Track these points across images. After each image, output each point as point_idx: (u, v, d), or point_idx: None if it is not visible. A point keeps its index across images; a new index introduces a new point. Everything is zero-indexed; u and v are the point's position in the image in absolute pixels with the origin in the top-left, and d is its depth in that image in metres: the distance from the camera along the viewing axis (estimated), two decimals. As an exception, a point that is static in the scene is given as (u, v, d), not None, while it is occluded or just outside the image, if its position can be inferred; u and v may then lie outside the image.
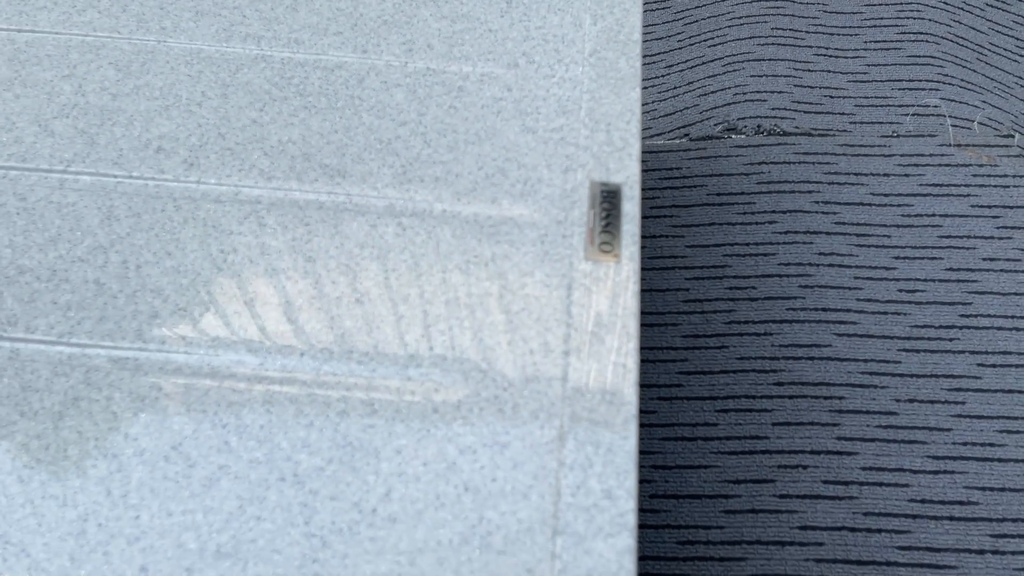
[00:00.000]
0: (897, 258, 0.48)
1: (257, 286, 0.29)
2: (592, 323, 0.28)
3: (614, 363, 0.28)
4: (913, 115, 0.54)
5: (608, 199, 0.31)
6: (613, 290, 0.29)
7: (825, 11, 0.60)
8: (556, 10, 0.37)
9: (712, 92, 0.56)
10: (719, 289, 0.47)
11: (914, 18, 0.60)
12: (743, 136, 0.53)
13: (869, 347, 0.45)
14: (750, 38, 0.58)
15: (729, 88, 0.56)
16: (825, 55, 0.58)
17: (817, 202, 0.50)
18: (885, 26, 0.59)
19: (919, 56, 0.58)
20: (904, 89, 0.56)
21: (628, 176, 0.32)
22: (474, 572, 0.24)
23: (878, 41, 0.59)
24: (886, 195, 0.51)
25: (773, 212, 0.50)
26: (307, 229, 0.30)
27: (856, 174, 0.52)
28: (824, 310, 0.46)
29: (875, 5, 0.61)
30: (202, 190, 0.31)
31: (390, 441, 0.26)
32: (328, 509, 0.25)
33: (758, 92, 0.55)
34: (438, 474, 0.26)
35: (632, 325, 0.28)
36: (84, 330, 0.28)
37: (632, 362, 0.28)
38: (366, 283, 0.29)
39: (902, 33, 0.59)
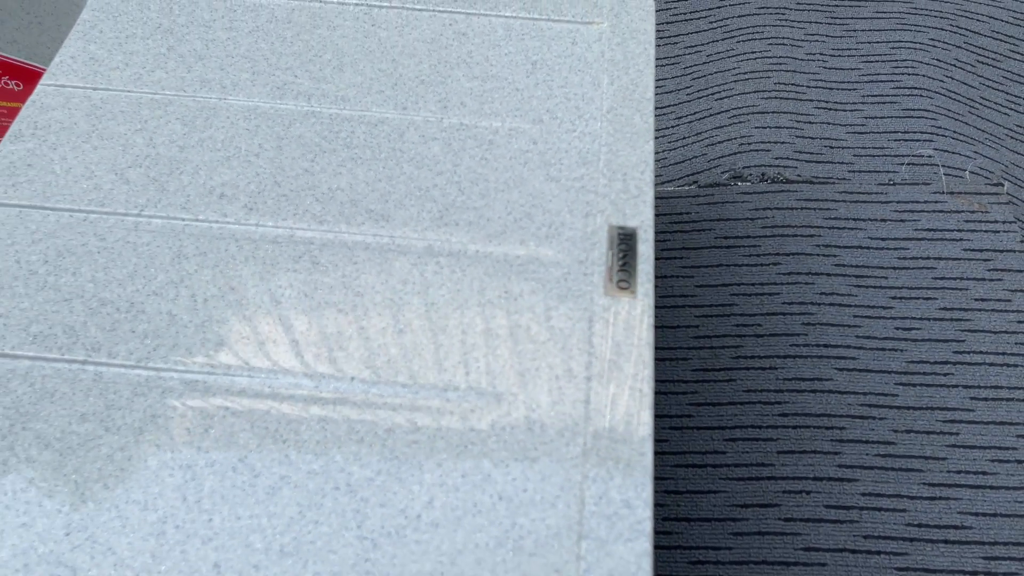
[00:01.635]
0: (894, 298, 0.51)
1: (311, 318, 0.33)
2: (611, 352, 0.32)
3: (631, 388, 0.31)
4: (908, 164, 0.58)
5: (625, 241, 0.35)
6: (629, 323, 0.32)
7: (825, 67, 0.64)
8: (576, 71, 0.41)
9: (719, 142, 0.60)
10: (727, 326, 0.50)
11: (909, 74, 0.64)
12: (748, 183, 0.57)
13: (868, 381, 0.48)
14: (755, 92, 0.62)
15: (735, 139, 0.60)
16: (825, 108, 0.62)
17: (818, 245, 0.54)
18: (881, 81, 0.63)
19: (913, 109, 0.61)
20: (899, 140, 0.60)
21: (643, 221, 0.35)
22: (508, 572, 0.27)
23: (875, 95, 0.63)
24: (883, 239, 0.54)
25: (777, 255, 0.53)
26: (355, 267, 0.34)
27: (855, 219, 0.55)
28: (825, 346, 0.49)
29: (872, 62, 0.65)
30: (260, 232, 0.35)
31: (432, 455, 0.29)
32: (378, 515, 0.28)
33: (762, 142, 0.59)
34: (475, 484, 0.29)
35: (647, 354, 0.31)
36: (159, 356, 0.31)
37: (647, 387, 0.31)
38: (408, 315, 0.33)
39: (897, 88, 0.63)
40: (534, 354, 0.32)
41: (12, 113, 0.50)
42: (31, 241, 0.34)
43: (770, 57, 0.65)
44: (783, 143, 0.59)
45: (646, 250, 0.34)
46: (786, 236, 0.54)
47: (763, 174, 0.57)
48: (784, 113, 0.61)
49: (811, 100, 0.62)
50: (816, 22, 0.68)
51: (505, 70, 0.41)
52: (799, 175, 0.57)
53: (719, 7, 0.69)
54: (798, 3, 0.69)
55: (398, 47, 0.42)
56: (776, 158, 0.58)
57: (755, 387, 0.48)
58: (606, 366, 0.31)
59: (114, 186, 0.36)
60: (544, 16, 0.43)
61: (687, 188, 0.57)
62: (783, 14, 0.68)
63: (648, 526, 0.28)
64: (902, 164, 0.58)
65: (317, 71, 0.40)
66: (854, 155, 0.59)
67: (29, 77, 0.48)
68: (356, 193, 0.36)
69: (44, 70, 0.48)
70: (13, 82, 0.49)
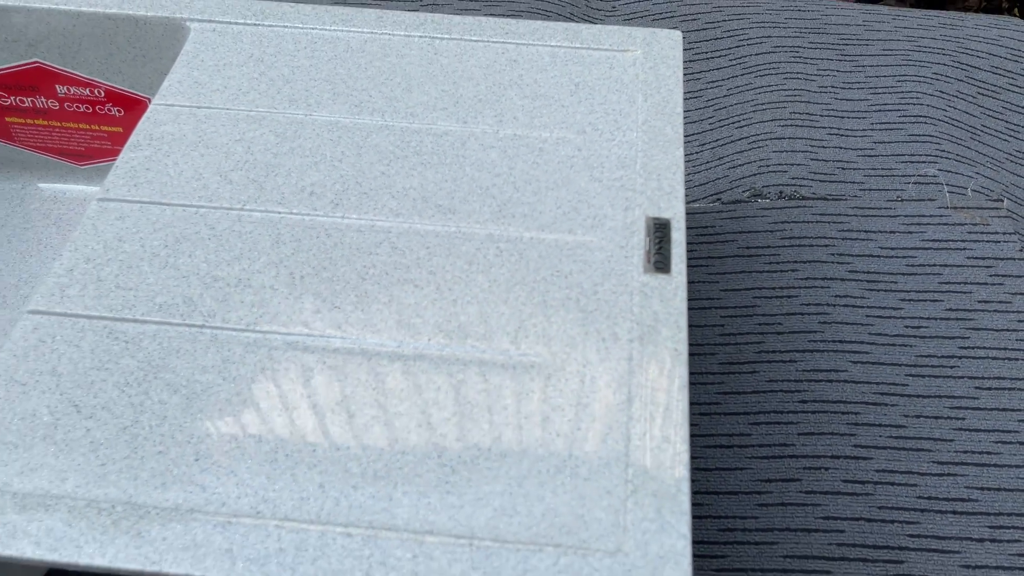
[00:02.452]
0: (903, 300, 0.56)
1: (392, 291, 0.38)
2: (650, 319, 0.37)
3: (669, 348, 0.36)
4: (914, 183, 0.63)
5: (660, 230, 0.40)
6: (665, 296, 0.38)
7: (836, 99, 0.70)
8: (614, 91, 0.47)
9: (740, 165, 0.65)
10: (749, 325, 0.55)
11: (914, 104, 0.69)
12: (767, 200, 0.62)
13: (880, 372, 0.52)
14: (772, 120, 0.68)
15: (754, 161, 0.65)
16: (837, 134, 0.67)
17: (832, 254, 0.59)
18: (888, 110, 0.69)
19: (919, 135, 0.67)
20: (906, 162, 0.65)
21: (675, 213, 0.41)
22: (566, 492, 0.32)
23: (883, 123, 0.68)
24: (892, 248, 0.59)
25: (794, 262, 0.58)
26: (428, 251, 0.40)
27: (866, 231, 0.60)
28: (841, 342, 0.54)
29: (880, 93, 0.70)
30: (346, 223, 0.41)
31: (498, 400, 0.34)
32: (455, 447, 0.33)
33: (779, 164, 0.65)
34: (536, 424, 0.34)
35: (682, 321, 0.37)
36: (265, 321, 0.37)
37: (683, 348, 0.36)
38: (475, 289, 0.38)
39: (903, 116, 0.68)
40: (583, 321, 0.37)
41: (112, 136, 0.57)
42: (152, 230, 0.40)
43: (785, 90, 0.71)
44: (799, 165, 0.65)
45: (679, 237, 0.39)
46: (802, 246, 0.59)
47: (781, 192, 0.63)
48: (799, 139, 0.67)
49: (824, 127, 0.68)
50: (827, 59, 0.74)
51: (552, 90, 0.47)
52: (814, 192, 0.63)
53: (737, 46, 0.75)
54: (810, 42, 0.75)
55: (458, 72, 0.48)
56: (792, 178, 0.64)
57: (776, 378, 0.52)
58: (647, 330, 0.36)
59: (219, 186, 0.42)
60: (585, 46, 0.49)
61: (711, 205, 0.63)
62: (797, 52, 0.74)
63: (686, 457, 0.32)
64: (908, 183, 0.63)
65: (388, 92, 0.47)
66: (864, 175, 0.64)
67: (129, 104, 0.55)
68: (426, 191, 0.42)
69: (144, 97, 0.55)
70: (116, 108, 0.55)
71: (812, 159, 0.65)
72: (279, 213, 0.41)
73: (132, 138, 0.44)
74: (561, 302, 0.38)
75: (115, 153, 0.58)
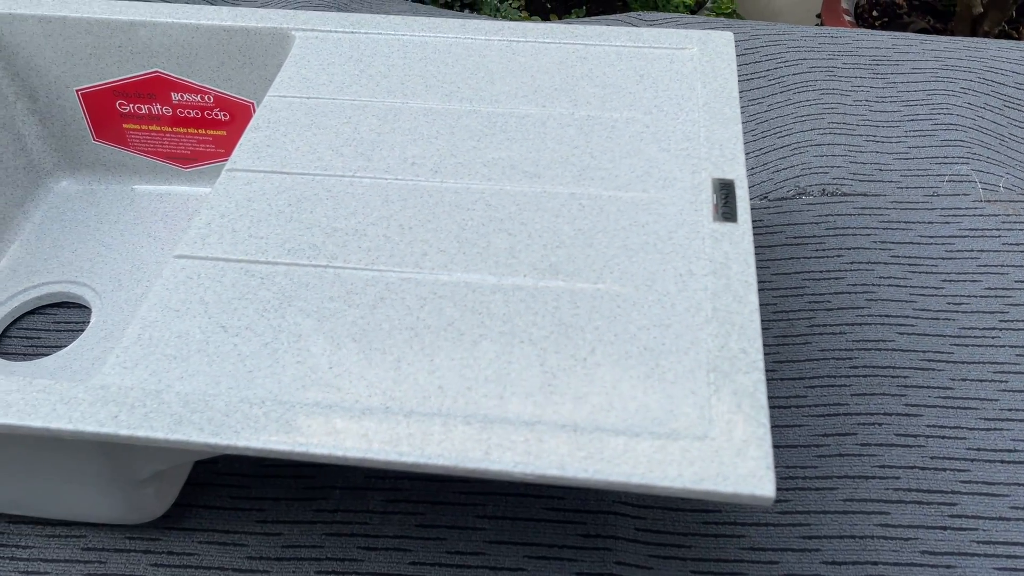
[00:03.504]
0: (944, 280, 0.60)
1: (490, 239, 0.43)
2: (722, 257, 0.41)
3: (739, 280, 0.40)
4: (948, 181, 0.68)
5: (724, 188, 0.45)
6: (733, 239, 0.42)
7: (871, 111, 0.75)
8: (675, 80, 0.52)
9: (783, 169, 0.70)
10: (800, 303, 0.59)
11: (944, 114, 0.74)
12: (811, 197, 0.67)
13: (926, 342, 0.56)
14: (811, 130, 0.73)
15: (797, 165, 0.70)
16: (873, 141, 0.72)
17: (875, 242, 0.63)
18: (920, 120, 0.74)
19: (950, 140, 0.71)
20: (940, 163, 0.69)
21: (738, 175, 0.46)
22: (656, 392, 0.36)
23: (916, 131, 0.73)
24: (931, 237, 0.63)
25: (839, 249, 0.63)
26: (518, 207, 0.45)
27: (905, 222, 0.64)
28: (887, 316, 0.58)
29: (912, 105, 0.76)
30: (444, 186, 0.46)
31: (590, 322, 0.39)
32: (554, 358, 0.37)
33: (821, 167, 0.70)
34: (625, 341, 0.38)
35: (750, 259, 0.41)
36: (380, 261, 0.42)
37: (752, 279, 0.40)
38: (562, 237, 0.43)
39: (935, 125, 0.73)
40: (661, 261, 0.42)
41: (216, 140, 0.63)
42: (276, 192, 0.46)
43: (823, 104, 0.76)
44: (838, 167, 0.70)
45: (743, 194, 0.44)
46: (846, 235, 0.64)
47: (823, 189, 0.67)
48: (838, 144, 0.72)
49: (861, 135, 0.73)
50: (861, 77, 0.79)
51: (620, 80, 0.52)
52: (854, 190, 0.67)
53: (776, 68, 0.81)
54: (844, 63, 0.81)
55: (535, 68, 0.54)
56: (833, 178, 0.69)
57: (828, 348, 0.56)
58: (719, 267, 0.41)
59: (332, 158, 0.48)
60: (646, 45, 0.55)
61: (759, 203, 0.68)
62: (831, 71, 0.80)
63: (761, 364, 0.37)
64: (943, 181, 0.68)
65: (474, 84, 0.52)
66: (901, 175, 0.69)
67: (235, 109, 0.61)
68: (513, 161, 0.47)
69: (249, 102, 0.61)
70: (223, 113, 0.62)
71: (851, 162, 0.70)
72: (386, 179, 0.46)
73: (252, 122, 0.50)
74: (640, 246, 0.42)
75: (218, 156, 0.64)
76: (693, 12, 1.27)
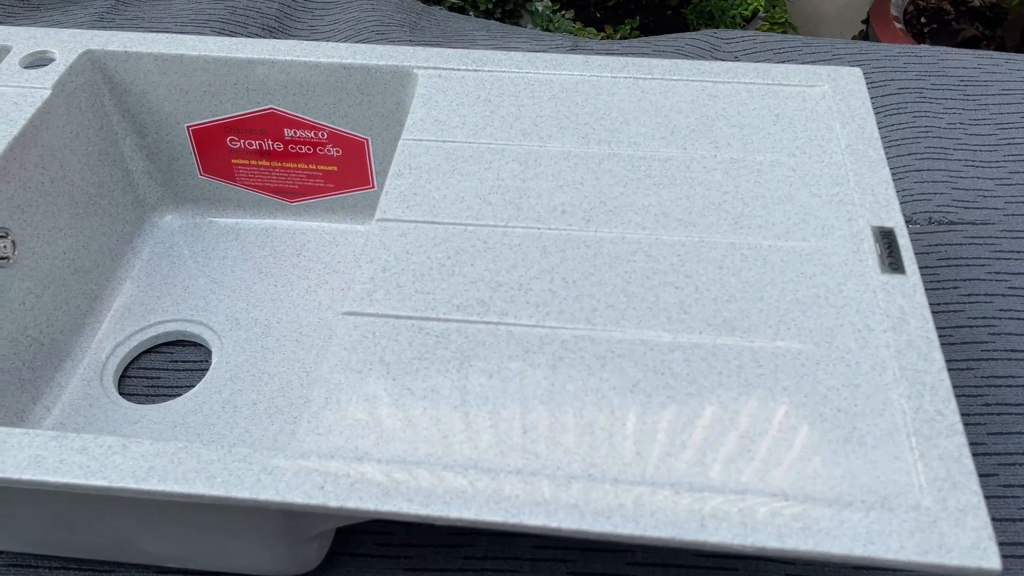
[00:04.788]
0: (1064, 313, 0.60)
1: (656, 292, 0.43)
2: (897, 312, 0.41)
3: (920, 336, 0.40)
4: (1056, 208, 0.67)
5: (886, 237, 0.45)
6: (905, 292, 0.42)
7: (966, 133, 0.75)
8: (812, 120, 0.52)
9: (884, 195, 0.70)
10: (921, 337, 0.59)
11: (1041, 137, 0.74)
12: (919, 226, 0.67)
13: (1055, 378, 0.56)
14: (908, 155, 0.73)
15: (899, 192, 0.70)
16: (972, 165, 0.72)
17: (989, 272, 0.63)
18: (1018, 144, 0.74)
19: (1051, 165, 0.71)
20: (1044, 189, 0.69)
21: (896, 223, 0.45)
22: (858, 458, 0.36)
23: (1015, 155, 0.73)
24: (1045, 267, 0.63)
25: (955, 280, 0.62)
26: (679, 258, 0.44)
27: (1018, 252, 0.64)
28: (1012, 351, 0.57)
29: (1007, 129, 0.75)
30: (599, 236, 0.46)
31: (777, 383, 0.39)
32: (747, 422, 0.37)
33: (923, 194, 0.69)
34: (815, 401, 0.38)
35: (927, 313, 0.41)
36: (551, 318, 0.42)
37: (933, 335, 0.40)
38: (730, 290, 0.43)
39: (1033, 148, 0.73)
40: (836, 316, 0.41)
41: (326, 175, 0.63)
42: (433, 244, 0.45)
43: (916, 127, 0.76)
44: (941, 194, 0.69)
45: (905, 243, 0.44)
46: (959, 266, 0.63)
47: (930, 218, 0.67)
48: (937, 170, 0.71)
49: (959, 160, 0.72)
50: (951, 98, 0.79)
51: (755, 120, 0.52)
52: (960, 218, 0.67)
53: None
54: (932, 84, 0.80)
55: (666, 107, 0.53)
56: (937, 206, 0.68)
57: (957, 384, 0.56)
58: (896, 322, 0.41)
59: (481, 207, 0.47)
60: (775, 82, 0.55)
61: (864, 231, 0.67)
62: (921, 93, 0.79)
63: (960, 427, 0.36)
64: (1050, 208, 0.68)
65: (609, 124, 0.52)
66: (1005, 202, 0.69)
67: (348, 144, 0.61)
68: (664, 208, 0.47)
69: (362, 138, 0.61)
70: (335, 149, 0.61)
71: (952, 188, 0.70)
72: (539, 229, 0.46)
73: (393, 167, 0.50)
74: (811, 299, 0.42)
75: (326, 191, 0.64)
76: (748, 21, 1.27)
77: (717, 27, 1.26)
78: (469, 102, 0.54)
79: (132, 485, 0.35)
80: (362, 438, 0.37)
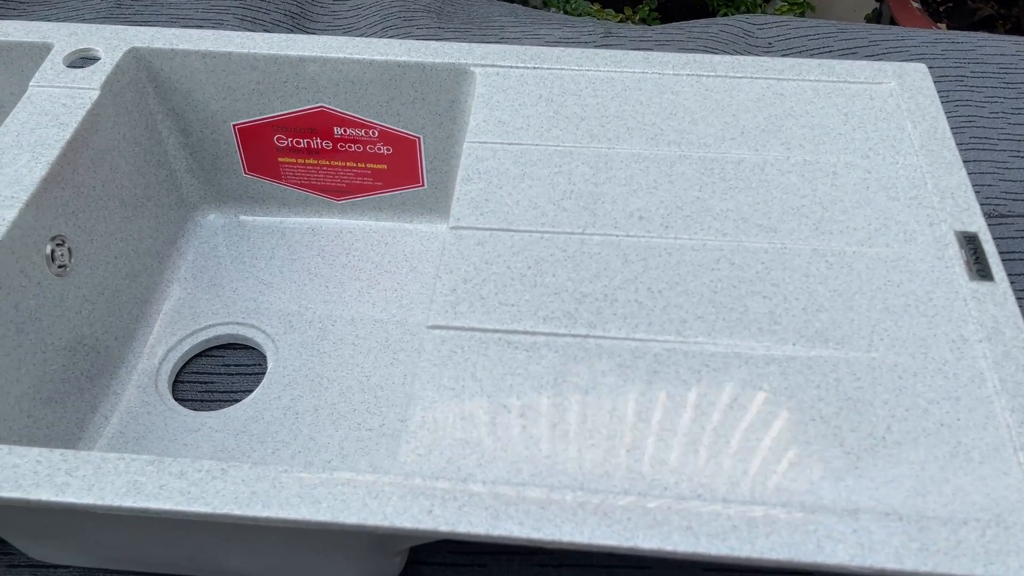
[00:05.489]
0: (1121, 308, 0.60)
1: (745, 301, 0.42)
2: (991, 322, 0.41)
3: (1016, 346, 0.40)
4: (1105, 200, 0.67)
5: (971, 242, 0.44)
6: (996, 300, 0.42)
7: (1009, 123, 0.75)
8: (882, 119, 0.51)
9: (931, 187, 0.70)
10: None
11: (1085, 126, 0.73)
12: (969, 219, 0.67)
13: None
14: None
15: (946, 183, 0.69)
16: (1018, 156, 0.72)
17: (1043, 267, 0.63)
18: (1062, 133, 0.73)
19: (1096, 155, 0.71)
20: (1091, 180, 0.69)
21: (980, 227, 0.45)
22: (967, 473, 0.36)
23: (1059, 145, 0.72)
24: (1098, 261, 0.63)
25: (1011, 275, 0.62)
26: (763, 266, 0.44)
27: (1070, 245, 0.64)
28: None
29: (1049, 117, 0.75)
30: (679, 243, 0.45)
31: (877, 396, 0.38)
32: (852, 437, 0.37)
33: (972, 185, 0.69)
34: (917, 415, 0.38)
35: (1020, 323, 0.41)
36: (640, 330, 0.41)
37: (1027, 345, 0.40)
38: (819, 299, 0.42)
39: (1077, 138, 0.73)
40: (928, 326, 0.41)
41: (375, 173, 0.62)
42: (511, 253, 0.44)
43: (960, 116, 0.75)
44: (989, 186, 0.69)
45: (991, 249, 0.44)
46: (1014, 260, 0.63)
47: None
48: (984, 161, 0.71)
49: (1004, 151, 0.72)
50: (991, 86, 0.78)
51: (825, 120, 0.51)
52: (1011, 211, 0.67)
53: (902, 77, 0.80)
54: (972, 72, 0.80)
55: (733, 105, 0.52)
56: (986, 198, 0.68)
57: None
58: (990, 332, 0.40)
59: (556, 213, 0.46)
60: (841, 79, 0.54)
61: (914, 224, 0.67)
62: (961, 81, 0.79)
63: (1064, 440, 0.36)
64: (1099, 200, 0.67)
65: (676, 125, 0.51)
66: (1053, 194, 0.68)
67: (399, 143, 0.60)
68: (743, 213, 0.46)
69: (414, 136, 0.59)
70: (386, 147, 0.60)
71: (1000, 180, 0.69)
72: (616, 236, 0.45)
73: (461, 172, 0.49)
74: (902, 308, 0.42)
75: (375, 189, 0.63)
76: (767, 1, 1.25)
77: (737, 7, 1.24)
78: (531, 102, 0.53)
79: (236, 512, 0.34)
80: (464, 459, 0.36)
